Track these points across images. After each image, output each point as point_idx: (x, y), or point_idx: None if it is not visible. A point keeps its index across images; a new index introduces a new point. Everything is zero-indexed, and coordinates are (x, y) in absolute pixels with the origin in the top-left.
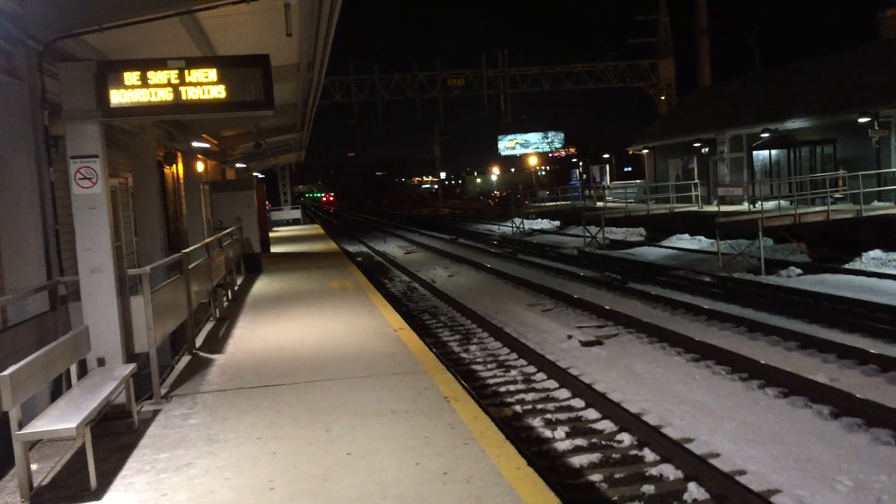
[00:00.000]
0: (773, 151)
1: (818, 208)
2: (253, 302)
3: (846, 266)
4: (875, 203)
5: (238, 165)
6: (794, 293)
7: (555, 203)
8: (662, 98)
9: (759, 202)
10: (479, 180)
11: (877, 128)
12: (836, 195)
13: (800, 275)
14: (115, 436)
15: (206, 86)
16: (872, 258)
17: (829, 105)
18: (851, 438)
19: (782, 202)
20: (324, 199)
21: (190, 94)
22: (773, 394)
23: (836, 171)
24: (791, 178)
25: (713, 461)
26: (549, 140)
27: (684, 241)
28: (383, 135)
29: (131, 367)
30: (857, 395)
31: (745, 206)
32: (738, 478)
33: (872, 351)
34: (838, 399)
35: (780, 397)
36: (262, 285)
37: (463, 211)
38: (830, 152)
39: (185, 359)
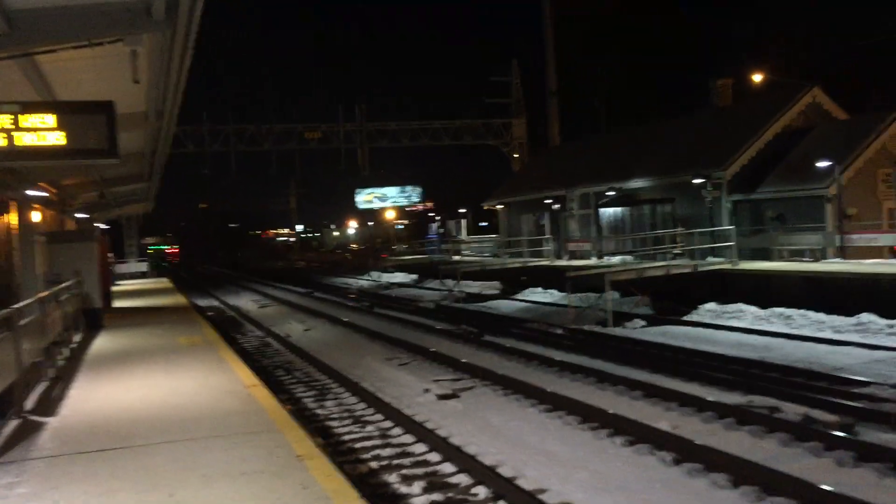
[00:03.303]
0: (619, 209)
1: (659, 263)
2: (92, 360)
3: (685, 318)
4: (709, 258)
5: (79, 216)
6: (639, 344)
7: (413, 257)
8: (516, 156)
9: (606, 257)
10: (336, 233)
11: (710, 189)
12: (675, 251)
13: (644, 326)
14: None
15: (43, 132)
16: (708, 310)
17: (667, 167)
18: (692, 483)
19: (627, 257)
20: (168, 251)
21: (25, 139)
22: (621, 442)
23: (675, 228)
24: (634, 234)
25: None
26: (407, 194)
27: (537, 294)
28: (238, 186)
29: None
30: (697, 442)
31: (593, 261)
32: None
33: (710, 399)
34: (680, 446)
35: (627, 445)
36: (103, 342)
37: (320, 264)
38: (669, 210)
39: (14, 423)
